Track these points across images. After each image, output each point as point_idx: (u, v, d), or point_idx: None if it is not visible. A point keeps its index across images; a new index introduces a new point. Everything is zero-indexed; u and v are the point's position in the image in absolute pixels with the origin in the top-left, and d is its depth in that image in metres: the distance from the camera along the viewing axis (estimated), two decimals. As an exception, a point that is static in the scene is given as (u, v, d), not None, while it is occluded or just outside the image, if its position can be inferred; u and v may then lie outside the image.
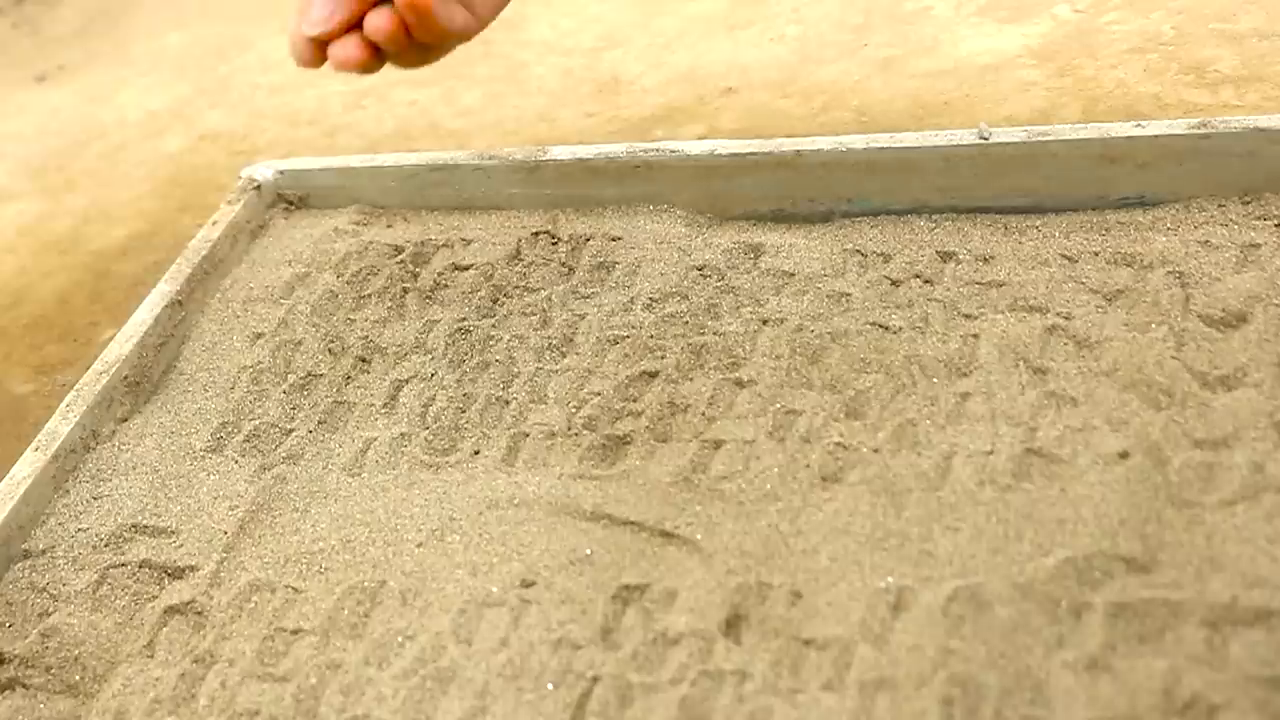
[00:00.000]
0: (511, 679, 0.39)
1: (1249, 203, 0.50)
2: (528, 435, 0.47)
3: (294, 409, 0.51)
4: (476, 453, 0.47)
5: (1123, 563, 0.38)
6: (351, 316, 0.55)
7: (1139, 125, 0.51)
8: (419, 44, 0.47)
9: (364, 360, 0.53)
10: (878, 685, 0.36)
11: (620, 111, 0.76)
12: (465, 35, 0.47)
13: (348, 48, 0.47)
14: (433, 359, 0.52)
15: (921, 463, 0.43)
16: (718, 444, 0.45)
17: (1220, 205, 0.50)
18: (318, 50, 0.48)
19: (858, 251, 0.53)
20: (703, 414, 0.46)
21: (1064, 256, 0.50)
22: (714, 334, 0.50)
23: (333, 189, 0.63)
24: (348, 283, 0.57)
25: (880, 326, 0.48)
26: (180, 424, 0.52)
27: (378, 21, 0.46)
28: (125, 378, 0.53)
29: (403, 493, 0.46)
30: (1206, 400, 0.42)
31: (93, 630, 0.44)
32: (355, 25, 0.47)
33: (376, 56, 0.47)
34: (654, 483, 0.44)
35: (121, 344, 0.54)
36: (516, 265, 0.56)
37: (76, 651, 0.43)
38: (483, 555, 0.43)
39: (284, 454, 0.49)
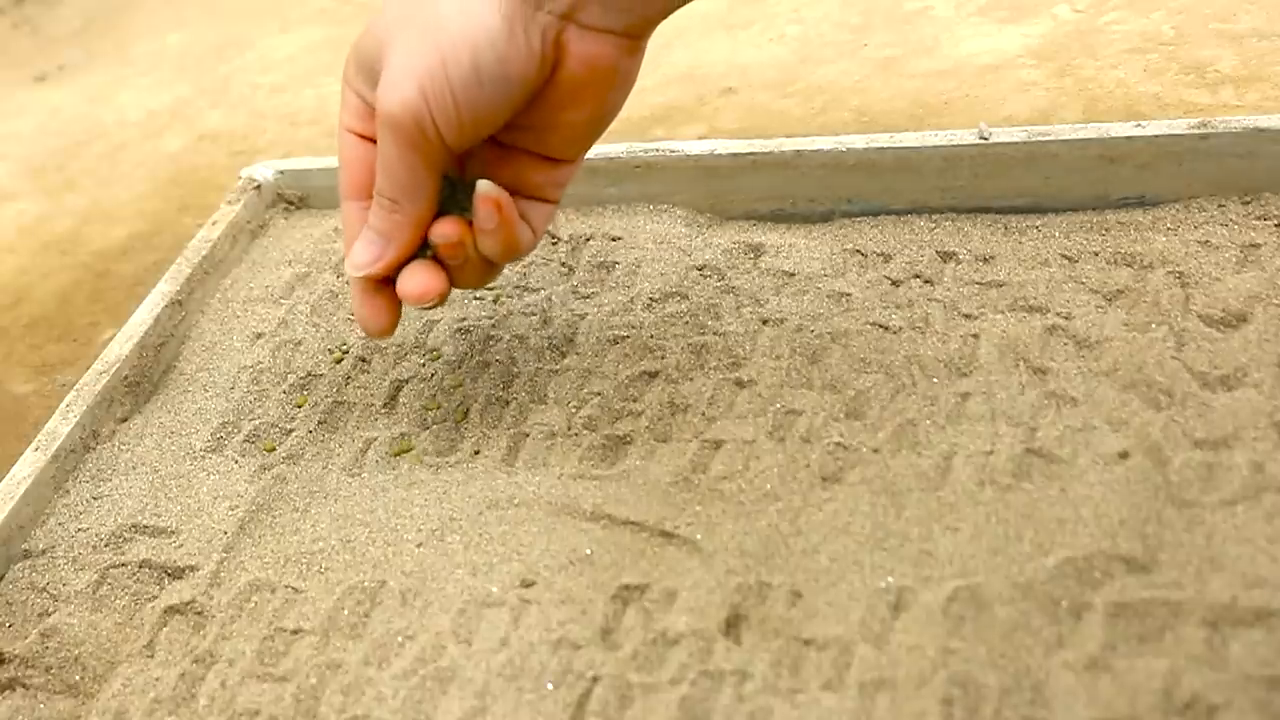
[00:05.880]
0: (511, 679, 0.39)
1: (1249, 203, 0.50)
2: (528, 435, 0.47)
3: (294, 409, 0.51)
4: (476, 453, 0.47)
5: (1123, 563, 0.38)
6: (352, 316, 0.55)
7: (1139, 125, 0.51)
8: (483, 259, 0.43)
9: (364, 360, 0.53)
10: (878, 685, 0.36)
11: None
12: (525, 253, 0.44)
13: (418, 276, 0.42)
14: (433, 359, 0.52)
15: (921, 463, 0.43)
16: (718, 444, 0.45)
17: (1220, 205, 0.50)
18: (383, 299, 0.44)
19: (858, 251, 0.52)
20: (703, 414, 0.46)
21: (1064, 256, 0.50)
22: (714, 334, 0.50)
23: (333, 189, 0.62)
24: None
25: (880, 326, 0.48)
26: (180, 424, 0.52)
27: (445, 229, 0.42)
28: (125, 378, 0.53)
29: (403, 493, 0.46)
30: (1206, 400, 0.42)
31: (93, 630, 0.44)
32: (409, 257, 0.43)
33: (449, 279, 0.43)
34: (654, 483, 0.44)
35: (121, 344, 0.54)
36: (516, 265, 0.56)
37: (76, 651, 0.43)
38: (483, 555, 0.43)
39: (284, 454, 0.49)
